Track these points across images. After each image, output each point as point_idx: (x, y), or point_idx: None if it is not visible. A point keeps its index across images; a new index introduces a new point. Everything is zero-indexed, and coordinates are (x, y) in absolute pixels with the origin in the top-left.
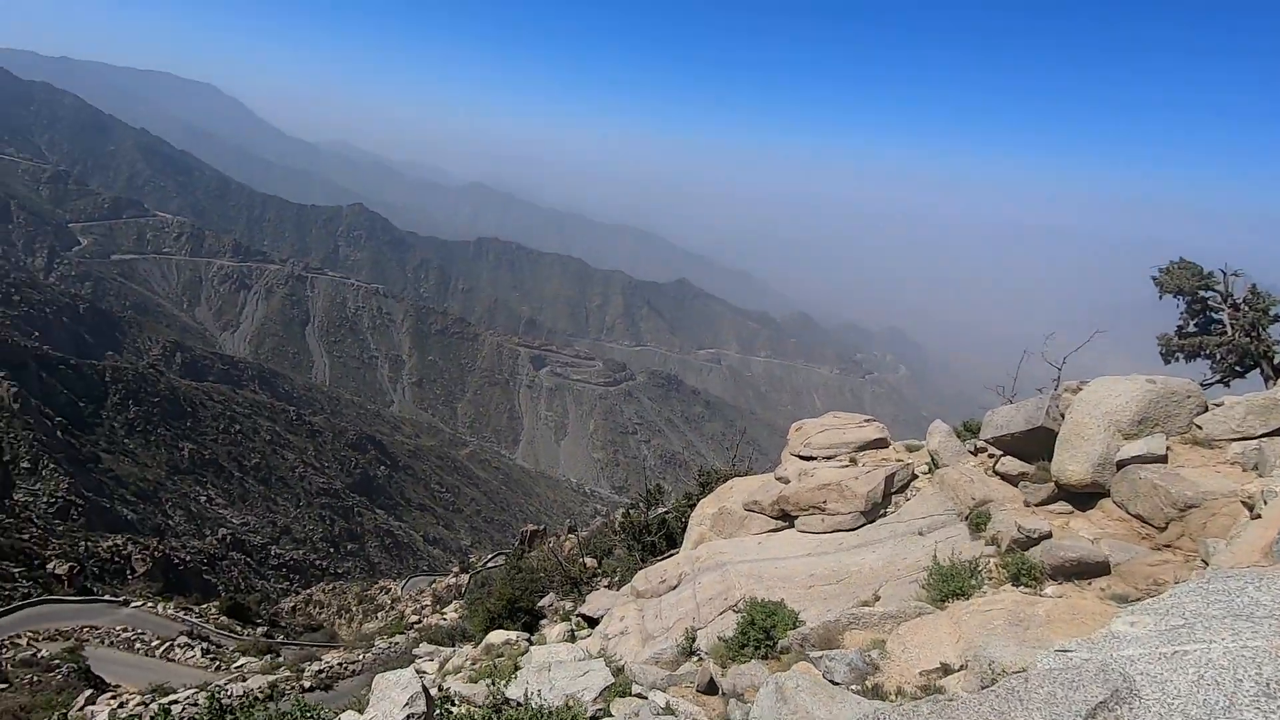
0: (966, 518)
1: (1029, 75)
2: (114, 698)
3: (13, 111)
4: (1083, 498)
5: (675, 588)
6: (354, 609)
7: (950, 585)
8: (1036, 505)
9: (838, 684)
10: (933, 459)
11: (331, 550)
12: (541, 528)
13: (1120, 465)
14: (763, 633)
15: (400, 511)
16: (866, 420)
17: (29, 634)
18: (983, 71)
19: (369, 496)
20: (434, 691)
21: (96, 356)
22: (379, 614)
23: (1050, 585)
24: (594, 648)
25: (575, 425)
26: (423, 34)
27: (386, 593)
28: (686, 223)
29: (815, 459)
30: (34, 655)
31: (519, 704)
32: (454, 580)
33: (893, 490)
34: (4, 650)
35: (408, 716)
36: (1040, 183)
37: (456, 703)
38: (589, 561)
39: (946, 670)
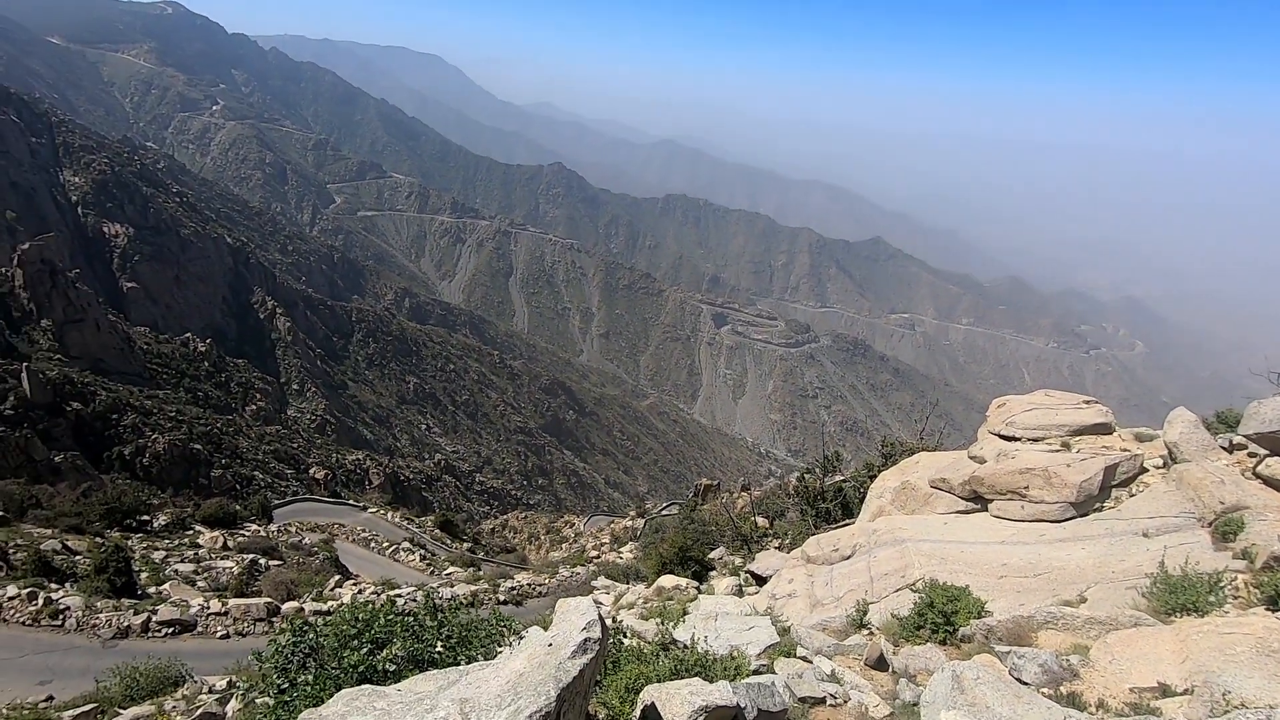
0: (1210, 524)
1: None
2: (355, 584)
3: (288, 89)
4: None
5: (848, 558)
6: (542, 537)
7: (1180, 598)
8: None
9: (1026, 684)
10: (1170, 452)
11: (525, 483)
12: (715, 483)
13: None
14: (942, 616)
15: (585, 454)
16: (1087, 401)
17: (297, 523)
18: None
19: (558, 437)
20: (609, 622)
21: (345, 299)
22: (563, 545)
23: None
24: (760, 605)
25: (754, 385)
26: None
27: (570, 527)
28: (886, 177)
29: (1019, 440)
30: (300, 541)
31: (685, 646)
32: (630, 523)
33: (1113, 483)
34: (280, 535)
35: (585, 640)
36: None
37: (628, 635)
38: (760, 521)
39: (1165, 691)
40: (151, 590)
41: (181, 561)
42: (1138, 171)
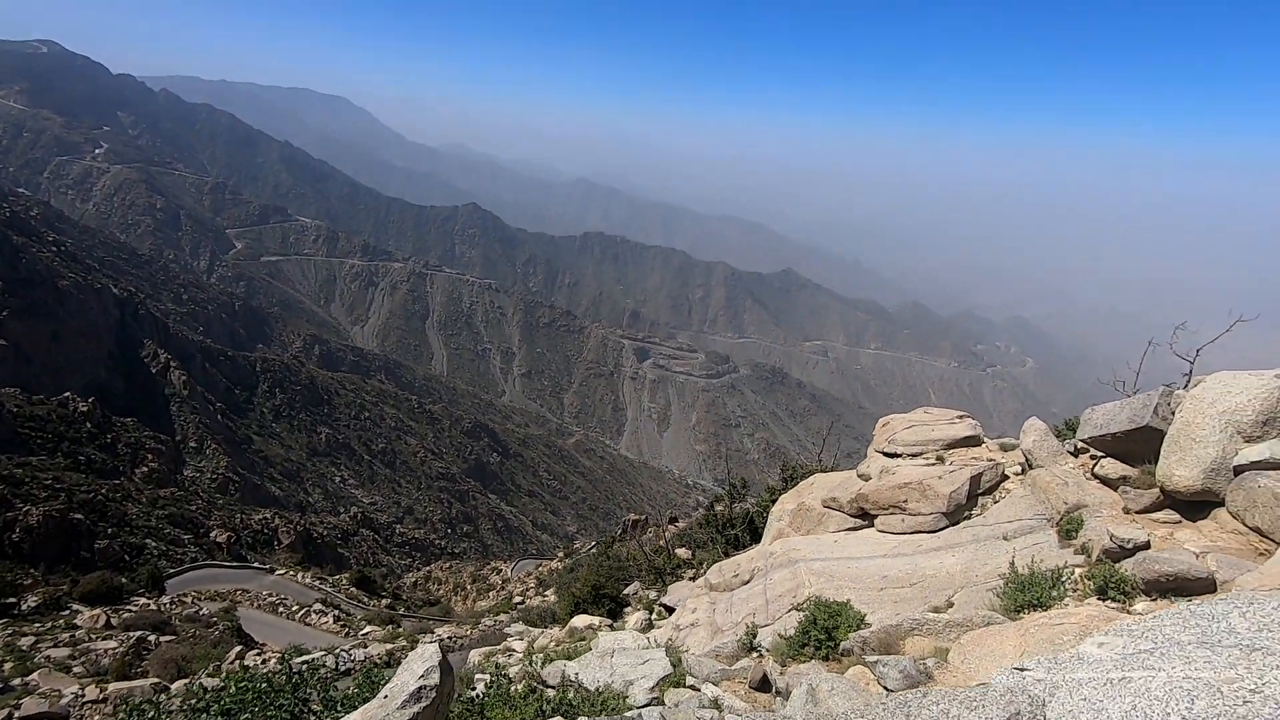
0: (1057, 523)
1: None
2: (259, 654)
3: (180, 132)
4: (1193, 507)
5: (747, 582)
6: (469, 587)
7: (1027, 595)
8: (1138, 513)
9: (889, 690)
10: (1026, 459)
11: (449, 530)
12: (644, 517)
13: (1238, 471)
14: (824, 633)
15: (511, 497)
16: (959, 416)
17: (194, 593)
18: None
19: (482, 481)
20: (515, 670)
21: (249, 349)
22: (490, 593)
23: (1142, 601)
24: (663, 637)
25: (678, 417)
26: (531, 36)
27: (497, 573)
28: (794, 211)
29: (900, 456)
30: (197, 612)
31: (558, 687)
32: (558, 564)
33: (979, 491)
34: (174, 606)
35: (420, 688)
36: (1188, 148)
37: (513, 678)
38: (682, 552)
39: None
40: (16, 682)
41: (55, 646)
42: (1020, 201)
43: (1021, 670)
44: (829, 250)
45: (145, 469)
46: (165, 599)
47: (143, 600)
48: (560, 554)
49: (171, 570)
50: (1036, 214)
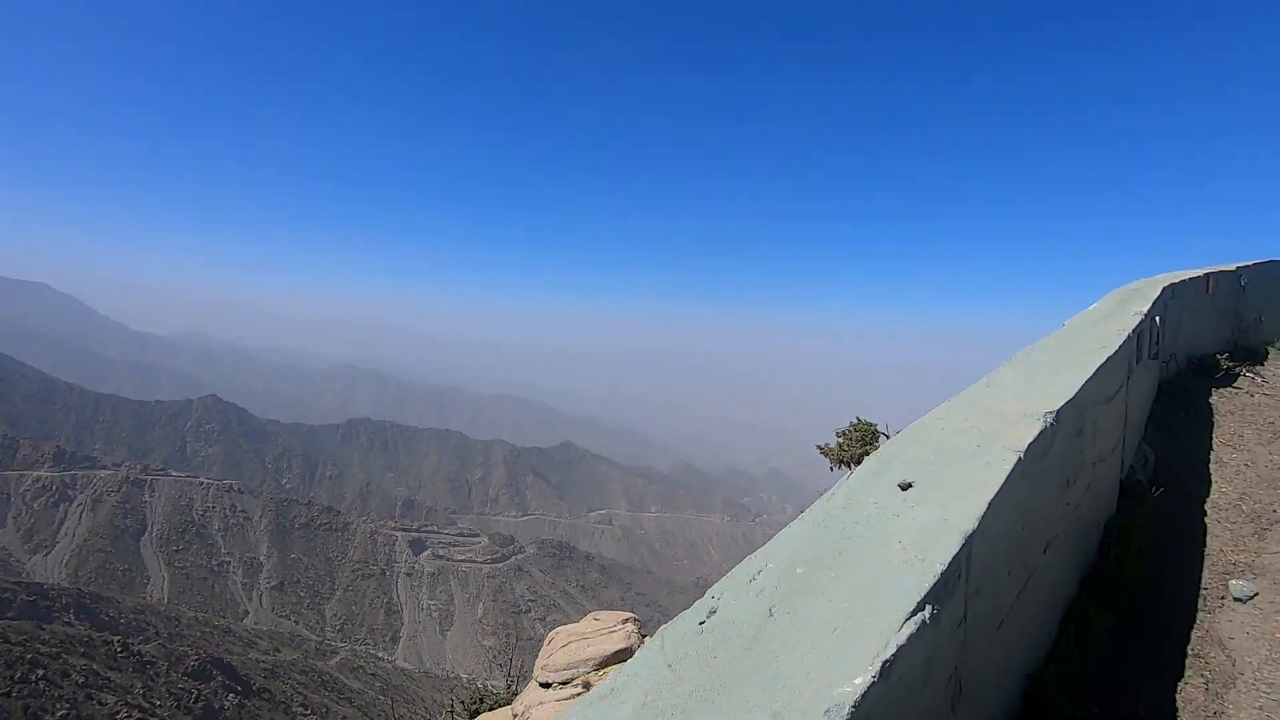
0: None
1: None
2: None
3: None
4: None
5: None
6: None
7: None
8: None
9: None
10: None
11: None
12: None
13: None
14: None
15: None
16: (623, 621)
17: None
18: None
19: None
20: None
21: None
22: None
23: None
24: None
25: (462, 611)
26: (279, 219)
27: None
28: (570, 387)
29: (552, 686)
30: None
31: None
32: None
33: None
34: None
35: None
36: (902, 321)
37: None
38: None
39: None
40: None
41: None
42: (769, 363)
43: None
44: (604, 421)
45: None
46: None
47: None
48: None
49: None
50: (783, 375)
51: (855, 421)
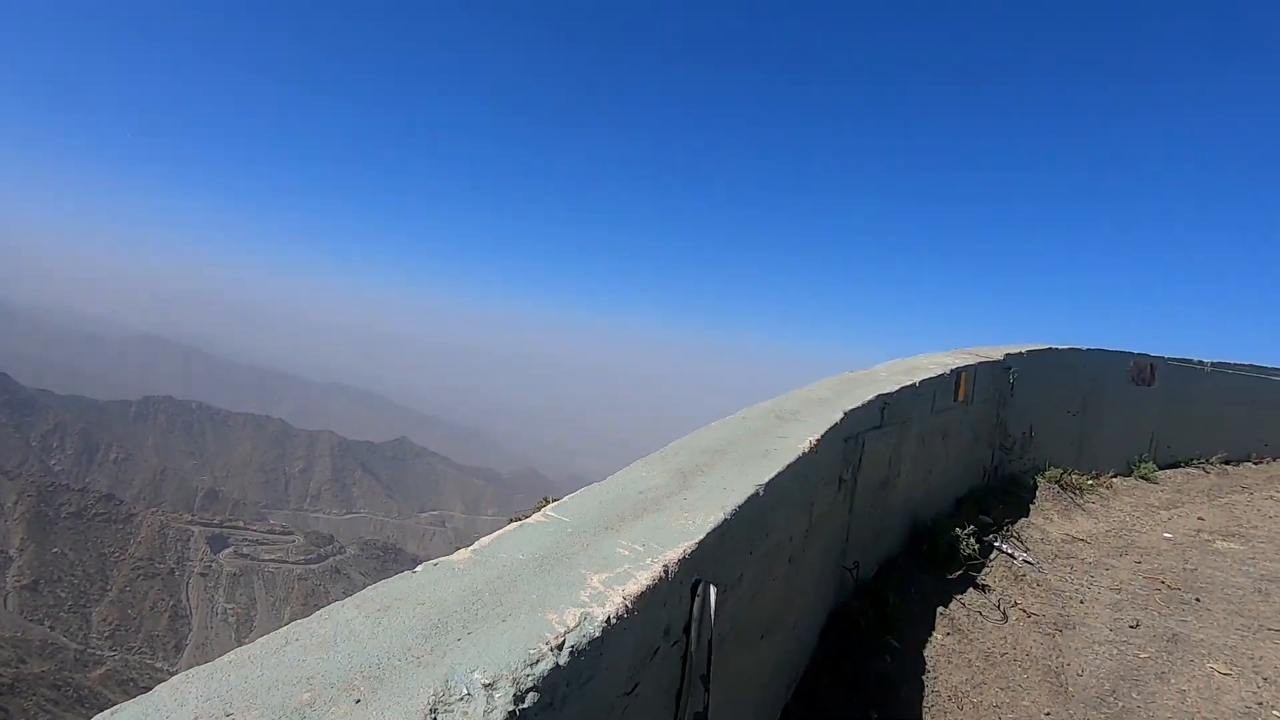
0: None
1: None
2: None
3: None
4: None
5: None
6: None
7: None
8: None
9: None
10: None
11: None
12: None
13: None
14: None
15: None
16: None
17: None
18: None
19: None
20: None
21: None
22: None
23: None
24: None
25: (265, 616)
26: (88, 157)
27: None
28: (418, 382)
29: None
30: None
31: None
32: None
33: None
34: None
35: None
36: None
37: None
38: None
39: None
40: None
41: None
42: (645, 379)
43: None
44: (449, 420)
45: None
46: None
47: None
48: None
49: None
50: (654, 390)
51: None
